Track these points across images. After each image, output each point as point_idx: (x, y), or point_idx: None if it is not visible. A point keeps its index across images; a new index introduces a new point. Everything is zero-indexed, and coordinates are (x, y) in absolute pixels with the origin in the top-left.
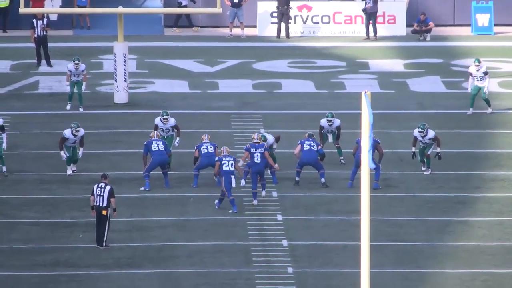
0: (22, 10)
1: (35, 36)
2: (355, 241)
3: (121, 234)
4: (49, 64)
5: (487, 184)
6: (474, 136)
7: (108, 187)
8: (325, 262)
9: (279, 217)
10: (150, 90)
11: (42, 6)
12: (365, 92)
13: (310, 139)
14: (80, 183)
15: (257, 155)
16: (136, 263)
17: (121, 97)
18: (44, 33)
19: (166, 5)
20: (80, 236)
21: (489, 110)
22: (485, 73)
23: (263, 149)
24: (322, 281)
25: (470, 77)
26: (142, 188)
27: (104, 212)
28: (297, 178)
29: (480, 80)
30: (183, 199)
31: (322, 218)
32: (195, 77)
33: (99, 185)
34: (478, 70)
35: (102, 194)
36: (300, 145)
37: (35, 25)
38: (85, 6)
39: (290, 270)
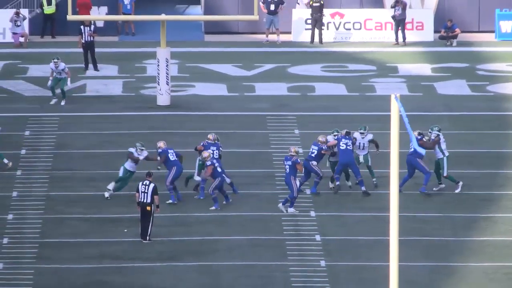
0: (70, 17)
1: (83, 41)
2: (385, 236)
3: (163, 229)
4: (96, 68)
5: (511, 183)
6: (499, 137)
7: (152, 185)
8: (356, 256)
9: (312, 213)
10: (191, 93)
11: (89, 13)
12: (396, 95)
13: (347, 137)
14: None
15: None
16: (178, 256)
17: (163, 99)
18: (92, 39)
19: (206, 12)
20: (125, 230)
21: None
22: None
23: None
24: (354, 274)
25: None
26: (170, 201)
27: (148, 208)
28: (337, 183)
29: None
30: (221, 197)
31: (354, 215)
32: (233, 80)
33: (144, 183)
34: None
35: (146, 191)
36: (336, 141)
37: (82, 31)
38: (130, 14)
39: (323, 263)
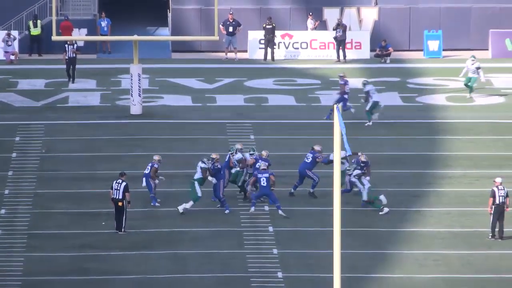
0: (54, 38)
1: (66, 58)
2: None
3: (137, 222)
4: (73, 81)
5: (437, 181)
6: (427, 141)
7: (123, 183)
8: (304, 245)
9: (266, 208)
10: (160, 103)
11: (71, 34)
12: (337, 106)
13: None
14: (103, 180)
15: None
16: (150, 245)
17: (136, 109)
18: (74, 55)
19: (173, 33)
20: (103, 223)
21: (468, 96)
22: (478, 67)
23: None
24: (302, 260)
25: (465, 68)
26: (227, 211)
27: (120, 204)
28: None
29: (473, 73)
30: (186, 194)
31: (302, 209)
32: (197, 92)
33: (117, 181)
34: (472, 64)
35: (118, 188)
36: (255, 160)
37: (66, 49)
38: (106, 35)
39: (275, 251)
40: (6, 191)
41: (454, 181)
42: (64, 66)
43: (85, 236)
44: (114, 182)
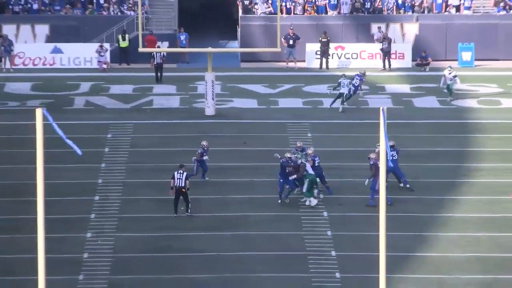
0: (141, 49)
1: (155, 63)
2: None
3: (209, 207)
4: (161, 81)
5: (470, 173)
6: (461, 139)
7: (185, 173)
8: (355, 228)
9: (321, 196)
10: (230, 106)
11: (154, 46)
12: (383, 108)
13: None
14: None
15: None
16: (221, 227)
17: (210, 111)
18: (161, 62)
19: (242, 46)
20: (182, 208)
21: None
22: (455, 76)
23: None
24: (353, 241)
25: (443, 78)
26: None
27: (183, 190)
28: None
29: (450, 81)
30: (252, 183)
31: (351, 197)
32: (262, 96)
33: (179, 172)
34: (450, 74)
35: (181, 177)
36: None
37: (155, 56)
38: (185, 47)
39: (329, 233)
40: (100, 181)
41: (484, 173)
42: (147, 74)
43: (166, 219)
44: (176, 172)
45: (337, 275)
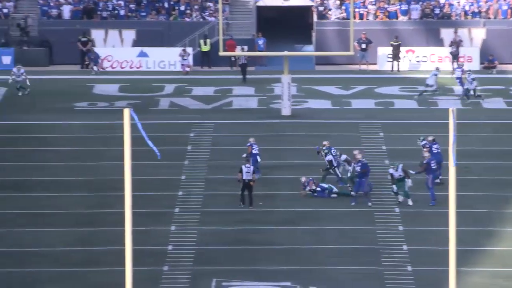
0: (221, 53)
1: (239, 63)
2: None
3: (285, 203)
4: (245, 81)
5: None
6: None
7: (251, 167)
8: (425, 223)
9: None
10: (306, 106)
11: (234, 50)
12: (452, 109)
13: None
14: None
15: None
16: (296, 222)
17: (286, 111)
18: (246, 62)
19: (316, 49)
20: (260, 203)
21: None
22: (473, 79)
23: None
24: (423, 236)
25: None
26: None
27: (251, 183)
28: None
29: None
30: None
31: (424, 193)
32: (336, 98)
33: (246, 165)
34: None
35: (249, 171)
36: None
37: (239, 57)
38: (263, 51)
39: (400, 228)
40: (183, 177)
41: None
42: (227, 76)
43: (245, 213)
44: (244, 166)
45: (409, 268)
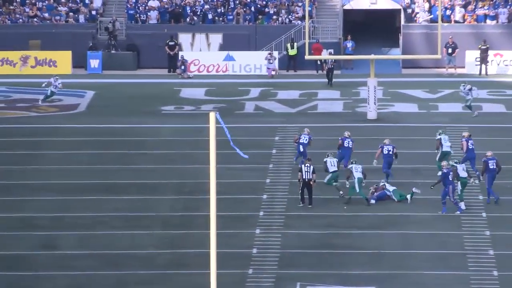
0: (307, 57)
1: (326, 68)
2: None
3: (370, 208)
4: (331, 84)
5: None
6: None
7: (311, 167)
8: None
9: (480, 197)
10: (392, 110)
11: (320, 54)
12: None
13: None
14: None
15: None
16: (383, 226)
17: (372, 115)
18: (332, 66)
19: (403, 52)
20: (345, 208)
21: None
22: (470, 89)
23: None
24: (510, 240)
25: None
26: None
27: (310, 182)
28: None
29: (466, 95)
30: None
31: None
32: (422, 101)
33: (306, 165)
34: (464, 89)
35: (308, 170)
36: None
37: (326, 61)
38: (351, 54)
39: (487, 233)
40: (268, 180)
41: None
42: (313, 80)
43: (330, 217)
44: (303, 165)
45: (495, 273)
